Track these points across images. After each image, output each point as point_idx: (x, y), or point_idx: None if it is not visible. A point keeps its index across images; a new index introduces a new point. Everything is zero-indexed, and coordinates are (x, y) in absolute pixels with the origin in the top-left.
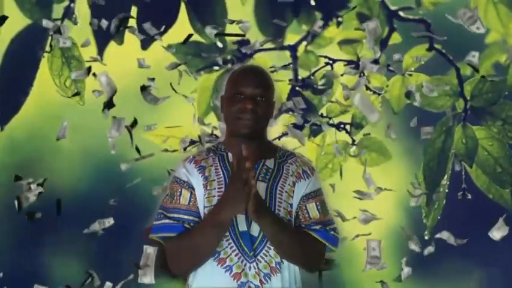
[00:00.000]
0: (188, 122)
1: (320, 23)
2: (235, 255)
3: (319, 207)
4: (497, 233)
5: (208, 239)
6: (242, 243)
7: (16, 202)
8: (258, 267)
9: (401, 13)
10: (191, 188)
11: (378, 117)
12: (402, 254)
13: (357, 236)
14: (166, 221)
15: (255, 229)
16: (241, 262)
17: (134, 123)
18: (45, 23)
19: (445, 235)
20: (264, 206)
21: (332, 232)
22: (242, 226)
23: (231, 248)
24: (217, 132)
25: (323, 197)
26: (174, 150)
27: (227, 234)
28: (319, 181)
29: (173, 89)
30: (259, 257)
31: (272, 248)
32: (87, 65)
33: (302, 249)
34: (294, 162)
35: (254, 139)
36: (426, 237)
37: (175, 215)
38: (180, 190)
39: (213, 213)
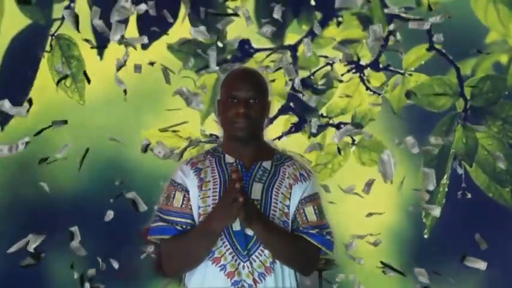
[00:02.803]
0: (189, 120)
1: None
2: (230, 253)
3: (316, 211)
4: None
5: (199, 246)
6: (236, 242)
7: None
8: (251, 267)
9: (401, 13)
10: (184, 191)
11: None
12: (401, 253)
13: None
14: (160, 223)
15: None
16: (235, 261)
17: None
18: None
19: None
20: (257, 212)
21: (328, 237)
22: (236, 226)
23: (225, 247)
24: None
25: (320, 201)
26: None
27: (222, 233)
28: (317, 184)
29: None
30: (253, 257)
31: None
32: (87, 65)
33: (297, 253)
34: (291, 165)
35: (250, 141)
36: (426, 236)
37: (169, 217)
38: (174, 192)
39: (205, 223)
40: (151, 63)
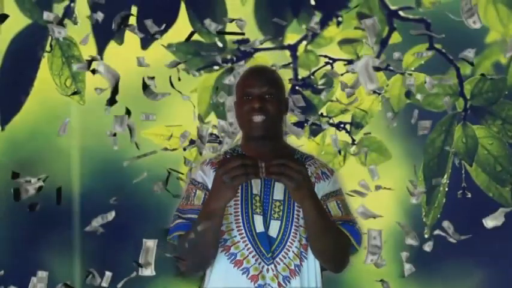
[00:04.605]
0: (188, 121)
1: (316, 19)
2: (253, 256)
3: (340, 205)
4: (491, 222)
5: (205, 231)
6: (259, 245)
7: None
8: (276, 270)
9: (401, 13)
10: (205, 189)
11: (375, 86)
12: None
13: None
14: (179, 220)
15: (273, 230)
16: (259, 264)
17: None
18: (46, 15)
19: (445, 224)
20: (310, 189)
21: (356, 227)
22: (259, 227)
23: (248, 249)
24: (216, 131)
25: (344, 197)
26: (174, 149)
27: (244, 235)
28: (339, 182)
29: (173, 86)
30: (277, 259)
31: (291, 250)
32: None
33: (335, 244)
34: (312, 164)
35: (269, 139)
36: (426, 236)
37: (189, 215)
38: (194, 191)
39: (205, 205)
40: (152, 78)
